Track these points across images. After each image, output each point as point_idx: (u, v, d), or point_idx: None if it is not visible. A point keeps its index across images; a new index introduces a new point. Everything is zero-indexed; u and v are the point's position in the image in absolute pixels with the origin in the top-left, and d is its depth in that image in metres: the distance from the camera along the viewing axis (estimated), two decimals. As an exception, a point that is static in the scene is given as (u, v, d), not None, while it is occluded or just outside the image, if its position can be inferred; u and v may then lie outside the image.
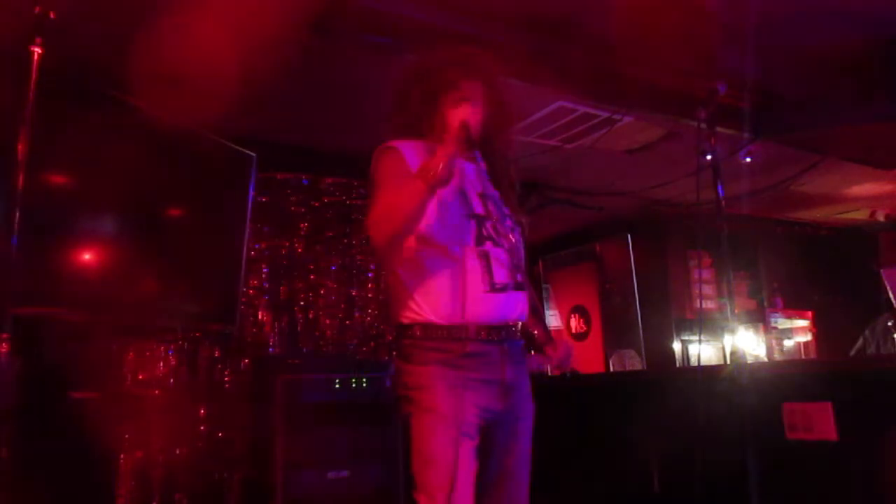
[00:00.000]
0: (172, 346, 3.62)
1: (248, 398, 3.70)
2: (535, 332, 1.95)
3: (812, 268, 6.35)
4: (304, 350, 4.12)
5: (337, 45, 3.01)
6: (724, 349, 5.57)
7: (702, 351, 5.47)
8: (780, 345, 5.94)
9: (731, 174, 4.34)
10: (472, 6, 2.89)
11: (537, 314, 1.97)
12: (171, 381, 3.59)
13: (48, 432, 2.62)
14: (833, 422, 2.38)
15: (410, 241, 1.74)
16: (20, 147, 1.77)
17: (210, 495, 3.57)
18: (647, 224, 5.90)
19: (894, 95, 3.62)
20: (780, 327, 5.89)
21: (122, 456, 3.25)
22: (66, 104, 2.65)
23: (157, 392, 3.53)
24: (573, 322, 6.62)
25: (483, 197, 1.81)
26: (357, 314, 4.34)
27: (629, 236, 6.08)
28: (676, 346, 5.67)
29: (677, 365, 5.54)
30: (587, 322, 6.48)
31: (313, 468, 3.24)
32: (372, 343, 4.34)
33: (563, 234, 6.45)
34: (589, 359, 6.13)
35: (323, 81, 3.43)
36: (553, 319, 6.72)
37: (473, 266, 1.70)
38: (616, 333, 6.14)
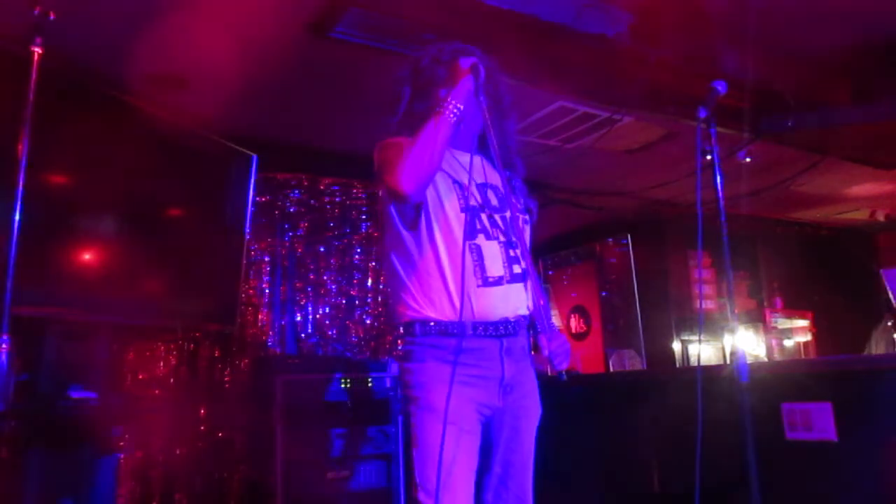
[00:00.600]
0: (172, 346, 3.62)
1: (248, 398, 3.70)
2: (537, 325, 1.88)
3: (812, 268, 6.35)
4: (304, 350, 4.12)
5: (336, 45, 3.01)
6: (724, 349, 5.57)
7: (702, 351, 5.47)
8: (780, 345, 5.94)
9: (731, 174, 4.34)
10: (472, 6, 2.89)
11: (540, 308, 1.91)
12: (171, 381, 3.59)
13: (48, 432, 2.61)
14: (833, 422, 2.38)
15: (407, 237, 1.75)
16: (20, 147, 1.77)
17: (210, 495, 3.57)
18: (647, 224, 5.90)
19: (894, 95, 3.62)
20: (780, 327, 5.90)
21: (122, 456, 3.25)
22: (66, 104, 2.65)
23: (157, 392, 3.53)
24: (573, 322, 6.62)
25: (483, 187, 1.80)
26: (357, 314, 4.34)
27: (629, 236, 6.08)
28: (676, 346, 5.67)
29: (677, 365, 5.54)
30: (587, 322, 6.48)
31: (313, 468, 3.24)
32: (372, 343, 4.34)
33: (563, 234, 6.45)
34: (589, 359, 6.13)
35: (323, 81, 3.43)
36: (553, 319, 6.72)
37: (465, 260, 1.69)
38: (616, 333, 6.14)
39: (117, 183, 2.93)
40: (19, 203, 1.75)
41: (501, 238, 1.76)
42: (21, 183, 1.76)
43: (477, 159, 1.82)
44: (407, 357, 1.74)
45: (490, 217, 1.77)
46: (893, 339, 4.57)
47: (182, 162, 3.27)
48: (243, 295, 3.80)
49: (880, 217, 6.05)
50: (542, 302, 1.87)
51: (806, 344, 6.02)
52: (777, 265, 6.24)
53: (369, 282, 4.43)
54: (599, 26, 3.09)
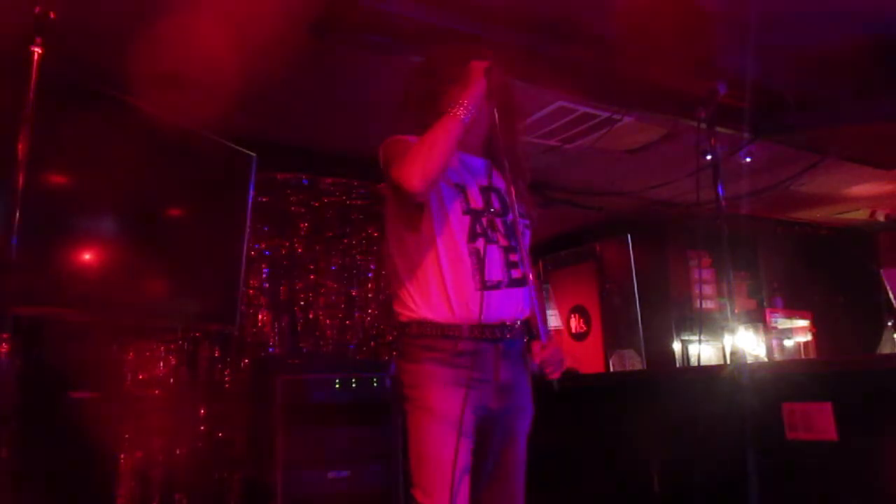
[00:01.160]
0: (172, 346, 3.62)
1: (248, 398, 3.71)
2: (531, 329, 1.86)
3: (812, 268, 6.35)
4: (304, 350, 4.12)
5: (337, 45, 3.01)
6: (724, 349, 5.57)
7: (702, 351, 5.47)
8: (780, 345, 5.94)
9: (731, 174, 4.35)
10: (472, 6, 2.89)
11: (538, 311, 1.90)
12: (171, 381, 3.59)
13: (48, 432, 2.62)
14: (833, 422, 2.38)
15: (408, 238, 1.75)
16: (20, 147, 1.77)
17: (210, 495, 3.57)
18: (647, 224, 5.90)
19: (894, 95, 3.62)
20: (780, 327, 5.89)
21: (122, 456, 3.25)
22: (66, 104, 2.65)
23: (157, 392, 3.53)
24: (573, 322, 6.61)
25: (486, 190, 1.79)
26: (357, 314, 4.34)
27: (629, 236, 6.08)
28: (676, 346, 5.66)
29: (677, 365, 5.54)
30: (587, 322, 6.48)
31: (313, 468, 3.24)
32: (372, 343, 4.34)
33: (563, 234, 6.44)
34: (589, 359, 6.13)
35: (323, 81, 3.43)
36: (553, 319, 6.72)
37: (465, 263, 1.69)
38: (616, 333, 6.14)
39: (117, 183, 2.93)
40: (19, 203, 1.75)
41: (502, 242, 1.75)
42: (21, 183, 1.76)
43: (483, 162, 1.83)
44: (404, 356, 1.74)
45: (491, 221, 1.76)
46: (894, 339, 4.57)
47: (182, 162, 3.27)
48: (243, 295, 3.80)
49: (880, 217, 6.04)
50: (539, 306, 1.87)
51: (806, 344, 6.02)
52: (777, 265, 6.23)
53: (369, 282, 4.43)
54: (599, 26, 3.09)
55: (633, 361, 5.67)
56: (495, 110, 1.75)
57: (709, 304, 5.74)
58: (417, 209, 1.73)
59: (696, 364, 4.87)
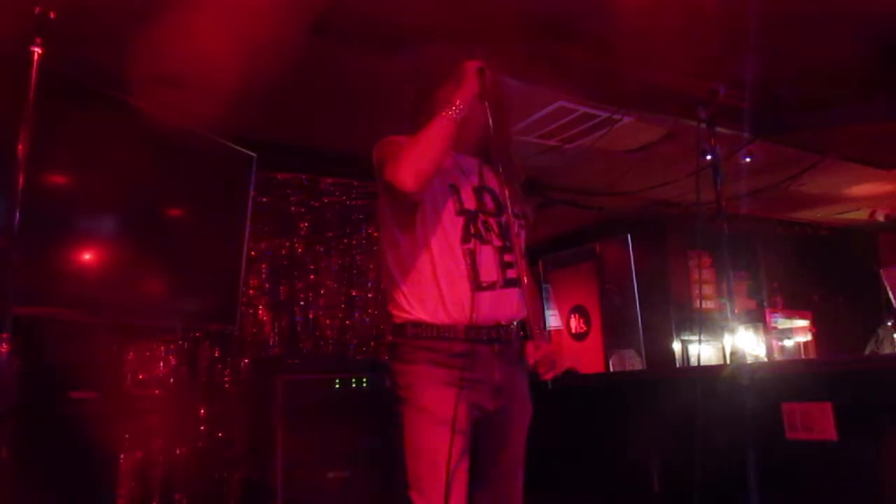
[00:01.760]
0: (172, 346, 3.62)
1: (248, 398, 3.71)
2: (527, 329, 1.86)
3: (812, 268, 6.35)
4: (304, 350, 4.12)
5: (337, 45, 3.01)
6: (724, 349, 5.57)
7: (702, 351, 5.47)
8: (780, 345, 5.94)
9: (731, 174, 4.35)
10: (472, 6, 2.89)
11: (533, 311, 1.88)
12: (171, 381, 3.60)
13: (48, 432, 2.62)
14: (833, 422, 2.38)
15: (402, 239, 1.75)
16: (20, 147, 1.77)
17: (210, 495, 3.57)
18: (647, 224, 5.90)
19: (894, 95, 3.62)
20: (780, 327, 5.90)
21: (122, 456, 3.25)
22: (66, 104, 2.65)
23: (157, 392, 3.53)
24: (573, 322, 6.62)
25: (479, 190, 1.79)
26: (357, 314, 4.35)
27: (629, 236, 6.08)
28: (676, 346, 5.67)
29: (677, 365, 5.54)
30: (587, 322, 6.48)
31: (313, 468, 3.24)
32: (372, 343, 4.35)
33: (563, 234, 6.45)
34: (589, 359, 6.13)
35: (323, 81, 3.43)
36: (553, 319, 6.73)
37: (459, 265, 1.68)
38: (616, 333, 6.14)
39: (117, 183, 2.93)
40: (19, 203, 1.75)
41: (496, 242, 1.75)
42: (21, 183, 1.76)
43: (475, 162, 1.82)
44: (398, 357, 1.73)
45: (485, 221, 1.75)
46: (894, 338, 4.57)
47: (182, 162, 3.27)
48: (243, 295, 3.80)
49: (880, 217, 6.05)
50: (536, 306, 1.86)
51: (806, 344, 6.02)
52: (777, 265, 6.23)
53: (369, 282, 4.43)
54: (599, 26, 3.09)
55: (633, 361, 5.67)
56: (488, 111, 1.74)
57: (709, 304, 5.74)
58: (411, 210, 1.73)
59: (696, 364, 4.87)
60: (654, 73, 3.50)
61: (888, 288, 4.19)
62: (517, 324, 1.79)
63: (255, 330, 4.02)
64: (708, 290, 5.74)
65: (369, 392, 3.49)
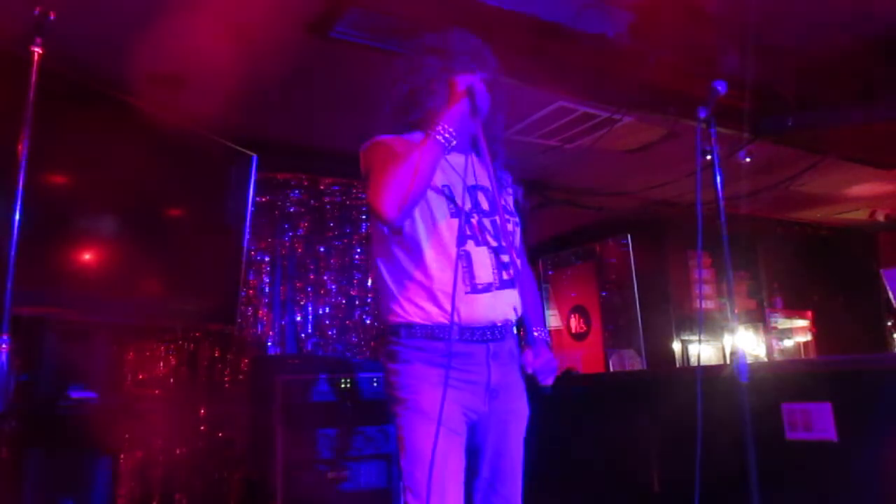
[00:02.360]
0: (172, 346, 3.62)
1: (248, 398, 3.70)
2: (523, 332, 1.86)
3: (812, 268, 6.35)
4: (304, 350, 4.12)
5: (337, 45, 3.01)
6: (724, 349, 5.57)
7: (702, 351, 5.47)
8: (780, 345, 5.94)
9: (731, 174, 4.34)
10: (472, 6, 2.89)
11: (531, 312, 1.88)
12: (171, 381, 3.60)
13: (48, 432, 2.62)
14: (833, 422, 2.38)
15: (394, 240, 1.73)
16: (20, 147, 1.77)
17: (210, 495, 3.57)
18: (647, 224, 5.90)
19: (894, 95, 3.62)
20: (780, 327, 5.90)
21: (122, 456, 3.25)
22: (66, 104, 2.65)
23: (157, 392, 3.53)
24: (573, 322, 6.62)
25: (473, 190, 1.77)
26: (357, 314, 4.35)
27: (629, 236, 6.08)
28: (676, 346, 5.67)
29: (677, 365, 5.54)
30: (587, 322, 6.48)
31: (313, 468, 3.24)
32: (372, 343, 4.35)
33: (563, 234, 6.45)
34: (589, 359, 6.13)
35: (322, 81, 3.43)
36: (553, 319, 6.73)
37: (454, 266, 1.66)
38: (616, 333, 6.14)
39: (117, 183, 2.93)
40: (19, 203, 1.75)
41: (492, 243, 1.73)
42: (21, 183, 1.76)
43: (465, 159, 1.77)
44: (393, 358, 1.72)
45: (480, 222, 1.73)
46: (894, 338, 4.57)
47: (182, 162, 3.27)
48: (243, 295, 3.80)
49: (880, 217, 6.05)
50: (534, 307, 1.85)
51: (806, 344, 6.02)
52: (777, 265, 6.24)
53: (369, 282, 4.43)
54: (599, 26, 3.09)
55: (633, 361, 5.67)
56: (480, 125, 1.71)
57: (709, 304, 5.74)
58: None
59: (696, 364, 4.87)
60: (654, 73, 3.50)
61: (888, 288, 4.19)
62: (513, 324, 1.77)
63: (254, 330, 4.02)
64: (708, 290, 5.74)
65: (369, 392, 3.49)
